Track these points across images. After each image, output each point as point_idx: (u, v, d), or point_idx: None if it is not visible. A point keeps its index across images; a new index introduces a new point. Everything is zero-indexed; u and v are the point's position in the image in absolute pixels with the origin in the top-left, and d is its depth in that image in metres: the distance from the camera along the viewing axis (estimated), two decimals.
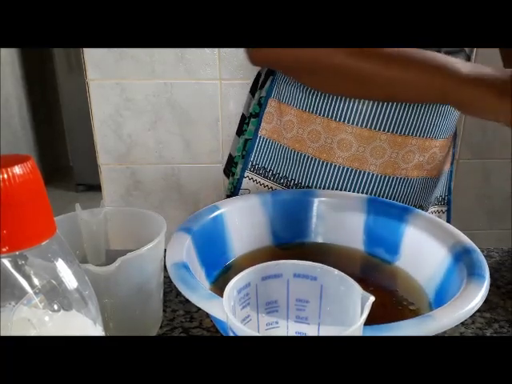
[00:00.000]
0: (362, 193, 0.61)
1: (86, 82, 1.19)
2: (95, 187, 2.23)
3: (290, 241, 0.53)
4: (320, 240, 0.53)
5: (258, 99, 0.68)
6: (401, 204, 0.52)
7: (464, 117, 1.30)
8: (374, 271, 0.49)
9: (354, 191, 0.62)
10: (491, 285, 0.37)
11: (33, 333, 0.22)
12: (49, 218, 0.22)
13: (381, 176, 0.61)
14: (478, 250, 0.41)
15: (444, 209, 0.71)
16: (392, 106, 0.57)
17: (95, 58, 1.16)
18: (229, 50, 1.17)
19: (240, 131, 0.72)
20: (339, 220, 0.53)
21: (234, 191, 0.70)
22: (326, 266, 0.25)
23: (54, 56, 2.69)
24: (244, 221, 0.50)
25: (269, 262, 0.25)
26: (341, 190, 0.62)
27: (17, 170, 0.20)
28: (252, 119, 0.68)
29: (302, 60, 0.53)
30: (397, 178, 0.61)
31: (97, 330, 0.25)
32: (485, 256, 0.41)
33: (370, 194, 0.62)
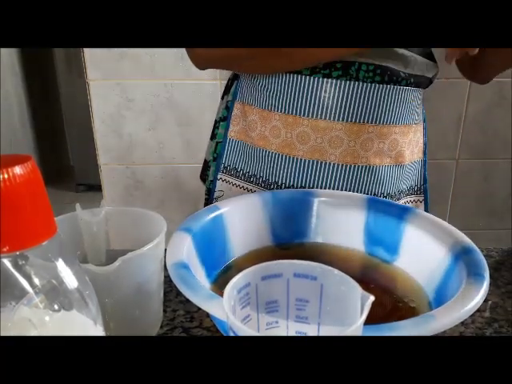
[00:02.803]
0: (325, 183, 0.63)
1: (86, 81, 1.19)
2: (95, 187, 2.23)
3: (290, 241, 0.53)
4: (320, 240, 0.53)
5: (226, 103, 0.70)
6: (400, 204, 0.52)
7: (464, 117, 1.30)
8: (373, 271, 0.49)
9: (317, 182, 0.63)
10: (491, 284, 0.37)
11: (33, 333, 0.22)
12: (49, 218, 0.22)
13: (342, 165, 0.61)
14: (478, 249, 0.41)
15: (421, 198, 0.72)
16: (344, 94, 0.58)
17: (95, 58, 1.16)
18: None
19: (213, 136, 0.74)
20: (339, 220, 0.53)
21: (209, 194, 0.71)
22: (325, 266, 0.25)
23: (53, 56, 2.69)
24: (244, 221, 0.50)
25: (269, 262, 0.25)
26: (305, 182, 0.63)
27: (17, 170, 0.20)
28: (221, 123, 0.71)
29: (241, 50, 0.55)
30: (359, 167, 0.62)
31: (97, 330, 0.25)
32: (484, 256, 0.41)
33: (333, 184, 0.62)
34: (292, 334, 0.27)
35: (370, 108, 0.59)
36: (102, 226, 0.46)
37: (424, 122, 0.71)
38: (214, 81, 1.20)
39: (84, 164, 2.76)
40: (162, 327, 0.46)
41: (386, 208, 0.51)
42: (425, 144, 0.70)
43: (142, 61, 1.17)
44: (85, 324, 0.24)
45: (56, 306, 0.22)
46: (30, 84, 2.88)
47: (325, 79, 0.58)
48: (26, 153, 0.26)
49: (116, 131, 1.24)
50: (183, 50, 1.18)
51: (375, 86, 0.58)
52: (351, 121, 0.59)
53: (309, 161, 0.62)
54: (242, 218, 0.50)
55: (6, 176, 0.19)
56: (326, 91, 0.58)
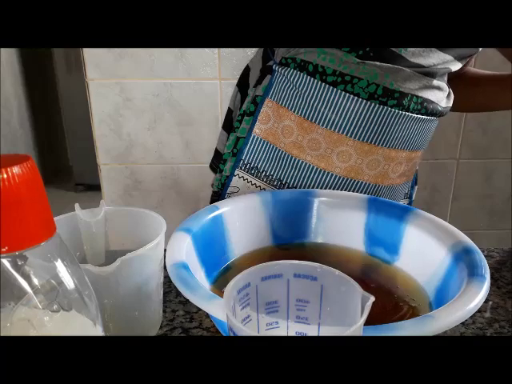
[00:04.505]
0: None
1: (86, 81, 1.19)
2: (95, 187, 2.22)
3: (290, 241, 0.53)
4: (320, 240, 0.53)
5: (254, 97, 0.66)
6: (401, 204, 0.52)
7: (465, 117, 1.30)
8: (374, 271, 0.49)
9: None
10: (491, 285, 0.37)
11: (32, 333, 0.22)
12: (48, 218, 0.22)
13: (373, 185, 0.63)
14: (479, 249, 0.41)
15: (406, 202, 0.76)
16: (394, 122, 0.60)
17: (95, 58, 1.16)
18: (229, 49, 1.17)
19: (226, 125, 0.72)
20: (339, 220, 0.53)
21: (222, 188, 0.69)
22: (326, 266, 0.25)
23: (53, 56, 2.69)
24: (244, 221, 0.50)
25: (269, 262, 0.25)
26: None
27: (16, 169, 0.20)
28: (246, 117, 0.66)
29: None
30: (385, 186, 0.65)
31: (97, 331, 0.25)
32: (485, 256, 0.41)
33: None
34: (292, 334, 0.27)
35: (410, 136, 0.62)
36: (102, 226, 0.46)
37: None
38: (214, 80, 1.20)
39: (83, 164, 2.76)
40: (161, 327, 0.46)
41: (386, 208, 0.51)
42: None
43: (141, 60, 1.17)
44: (84, 324, 0.24)
45: (55, 307, 0.22)
46: (29, 84, 2.88)
47: (381, 106, 0.58)
48: (25, 152, 0.26)
49: (115, 131, 1.24)
50: (183, 50, 1.18)
51: (420, 118, 0.61)
52: (391, 147, 0.61)
53: (344, 178, 0.62)
54: (242, 217, 0.50)
55: (5, 176, 0.19)
56: (379, 118, 0.59)
